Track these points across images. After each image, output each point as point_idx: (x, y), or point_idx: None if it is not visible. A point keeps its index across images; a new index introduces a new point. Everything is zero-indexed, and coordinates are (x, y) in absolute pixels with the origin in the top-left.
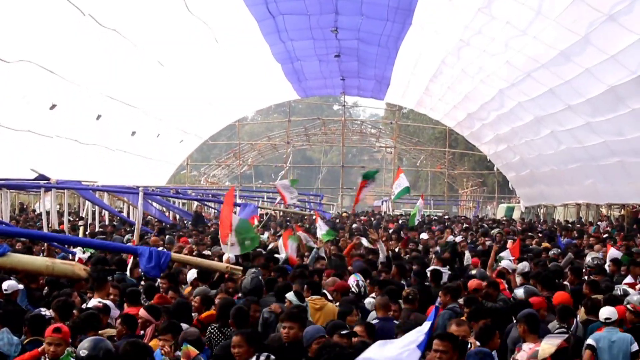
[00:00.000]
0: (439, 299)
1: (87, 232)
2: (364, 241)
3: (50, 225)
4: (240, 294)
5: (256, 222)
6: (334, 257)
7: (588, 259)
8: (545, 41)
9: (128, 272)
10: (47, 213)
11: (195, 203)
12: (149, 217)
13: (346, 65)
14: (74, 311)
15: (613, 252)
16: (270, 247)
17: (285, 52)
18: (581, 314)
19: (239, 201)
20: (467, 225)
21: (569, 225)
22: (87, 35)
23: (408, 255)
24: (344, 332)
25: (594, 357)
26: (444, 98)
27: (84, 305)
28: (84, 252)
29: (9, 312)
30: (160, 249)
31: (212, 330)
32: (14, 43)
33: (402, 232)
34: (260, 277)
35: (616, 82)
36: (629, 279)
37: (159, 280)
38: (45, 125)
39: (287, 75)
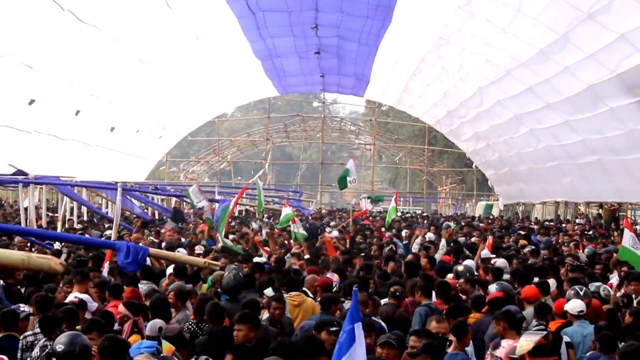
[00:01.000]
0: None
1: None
2: None
3: (28, 221)
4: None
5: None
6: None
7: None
8: (525, 39)
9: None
10: (26, 209)
11: (174, 199)
12: (128, 213)
13: (326, 62)
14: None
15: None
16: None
17: (265, 49)
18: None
19: (217, 197)
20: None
21: (546, 223)
22: (67, 31)
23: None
24: (333, 328)
25: (573, 352)
26: (423, 95)
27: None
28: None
29: None
30: (141, 244)
31: (189, 326)
32: None
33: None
34: (241, 274)
35: (595, 80)
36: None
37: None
38: (23, 121)
39: (267, 72)
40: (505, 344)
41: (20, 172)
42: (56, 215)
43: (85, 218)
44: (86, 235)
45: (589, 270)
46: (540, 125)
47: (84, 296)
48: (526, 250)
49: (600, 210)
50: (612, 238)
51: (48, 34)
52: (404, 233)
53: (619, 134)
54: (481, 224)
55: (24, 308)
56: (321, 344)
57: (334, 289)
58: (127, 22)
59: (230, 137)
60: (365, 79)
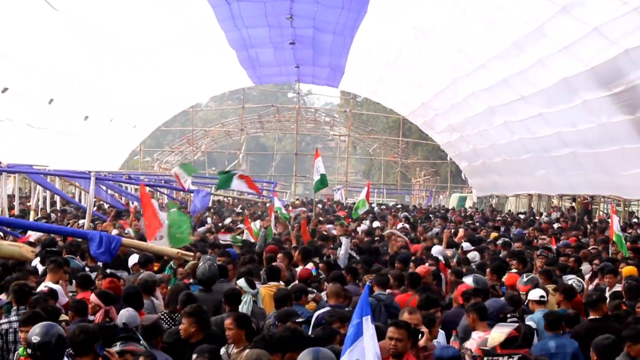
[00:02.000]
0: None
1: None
2: None
3: (0, 210)
4: (191, 280)
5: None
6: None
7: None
8: (500, 31)
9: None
10: None
11: (147, 189)
12: (101, 202)
13: (301, 53)
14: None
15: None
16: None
17: (240, 39)
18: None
19: (192, 188)
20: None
21: (519, 215)
22: (40, 18)
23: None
24: (299, 319)
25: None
26: (398, 87)
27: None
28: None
29: None
30: (116, 233)
31: (162, 317)
32: None
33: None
34: (215, 264)
35: (569, 73)
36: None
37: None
38: None
39: (242, 62)
40: (476, 335)
41: None
42: (29, 204)
43: (58, 207)
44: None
45: (562, 263)
46: (515, 117)
47: (56, 287)
48: (498, 242)
49: (574, 203)
50: (585, 231)
51: (21, 22)
52: (375, 224)
53: (593, 127)
54: (457, 217)
55: (1, 297)
56: (302, 337)
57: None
58: (101, 11)
59: (205, 127)
60: (340, 70)
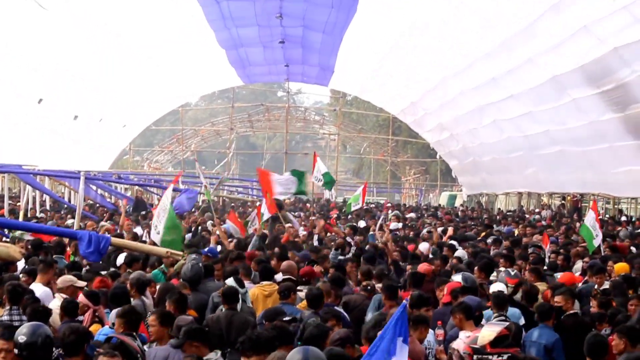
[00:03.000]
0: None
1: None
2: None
3: None
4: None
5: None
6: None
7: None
8: (490, 30)
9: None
10: None
11: (136, 188)
12: (91, 202)
13: (291, 52)
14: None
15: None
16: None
17: (229, 38)
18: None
19: (181, 187)
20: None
21: (508, 213)
22: (29, 17)
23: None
24: (286, 318)
25: None
26: (388, 85)
27: None
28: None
29: None
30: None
31: None
32: None
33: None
34: (200, 264)
35: (558, 72)
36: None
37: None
38: None
39: (232, 62)
40: (463, 335)
41: None
42: (18, 204)
43: (47, 207)
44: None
45: (552, 261)
46: (504, 116)
47: (45, 289)
48: (489, 240)
49: (564, 201)
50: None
51: (9, 19)
52: (362, 223)
53: (582, 125)
54: (446, 215)
55: None
56: (289, 334)
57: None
58: (91, 10)
59: (194, 127)
60: (329, 69)
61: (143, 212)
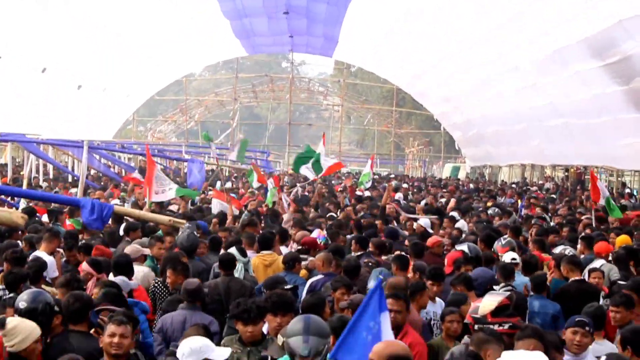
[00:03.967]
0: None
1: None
2: None
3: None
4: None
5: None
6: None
7: (533, 220)
8: (496, 3)
9: None
10: None
11: (140, 158)
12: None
13: (295, 23)
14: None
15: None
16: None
17: (234, 9)
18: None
19: (186, 157)
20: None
21: (512, 185)
22: None
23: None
24: (287, 287)
25: None
26: (392, 57)
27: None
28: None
29: None
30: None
31: (157, 285)
32: None
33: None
34: (195, 232)
35: (563, 44)
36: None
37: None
38: None
39: (236, 32)
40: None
41: None
42: (22, 172)
43: (50, 176)
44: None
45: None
46: (508, 88)
47: (49, 259)
48: (490, 211)
49: (567, 173)
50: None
51: None
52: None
53: (586, 98)
54: (450, 186)
55: None
56: (289, 300)
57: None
58: None
59: (198, 97)
60: (334, 40)
61: None
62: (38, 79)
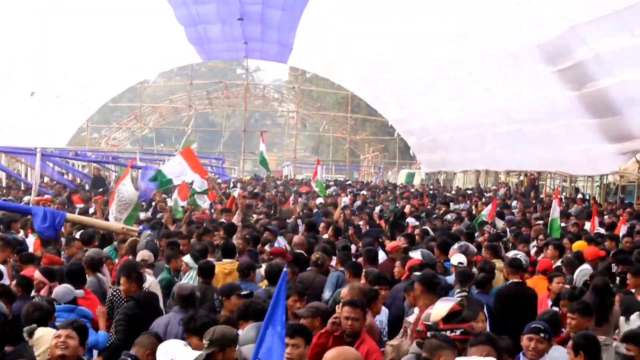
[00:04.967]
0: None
1: None
2: None
3: None
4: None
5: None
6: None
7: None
8: (450, 8)
9: None
10: None
11: (94, 165)
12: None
13: (250, 29)
14: None
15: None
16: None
17: (188, 15)
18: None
19: (140, 164)
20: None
21: (468, 191)
22: None
23: None
24: (243, 292)
25: None
26: (346, 63)
27: None
28: None
29: None
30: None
31: (115, 293)
32: None
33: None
34: (155, 241)
35: (517, 50)
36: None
37: None
38: None
39: (190, 38)
40: (417, 310)
41: None
42: None
43: (3, 184)
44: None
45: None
46: (462, 93)
47: (1, 267)
48: (448, 217)
49: (522, 178)
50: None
51: None
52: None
53: (539, 104)
54: (406, 192)
55: None
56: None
57: None
58: None
59: (153, 104)
60: (288, 46)
61: (101, 190)
62: None
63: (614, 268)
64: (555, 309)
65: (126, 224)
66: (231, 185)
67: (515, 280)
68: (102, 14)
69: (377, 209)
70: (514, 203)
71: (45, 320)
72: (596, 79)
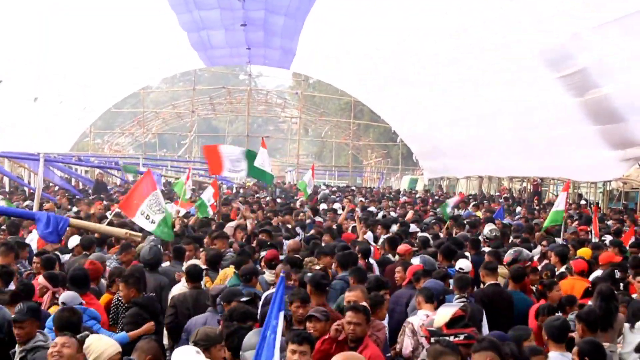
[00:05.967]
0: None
1: None
2: None
3: None
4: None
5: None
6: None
7: (486, 230)
8: (451, 15)
9: None
10: None
11: (97, 170)
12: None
13: (253, 35)
14: None
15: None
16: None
17: (191, 21)
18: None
19: (142, 169)
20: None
21: (469, 197)
22: None
23: None
24: (243, 299)
25: None
26: (350, 69)
27: None
28: None
29: None
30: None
31: (120, 298)
32: None
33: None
34: (159, 246)
35: (519, 56)
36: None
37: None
38: None
39: (193, 44)
40: (422, 313)
41: None
42: None
43: (7, 189)
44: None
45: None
46: (465, 99)
47: None
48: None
49: (525, 184)
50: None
51: None
52: (322, 206)
53: (542, 109)
54: (406, 198)
55: None
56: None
57: None
58: None
59: (156, 109)
60: (291, 52)
61: (103, 195)
62: None
63: (617, 274)
64: (559, 315)
65: (164, 236)
66: (234, 190)
67: (492, 282)
68: (105, 20)
69: (380, 215)
70: (518, 209)
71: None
72: (599, 86)
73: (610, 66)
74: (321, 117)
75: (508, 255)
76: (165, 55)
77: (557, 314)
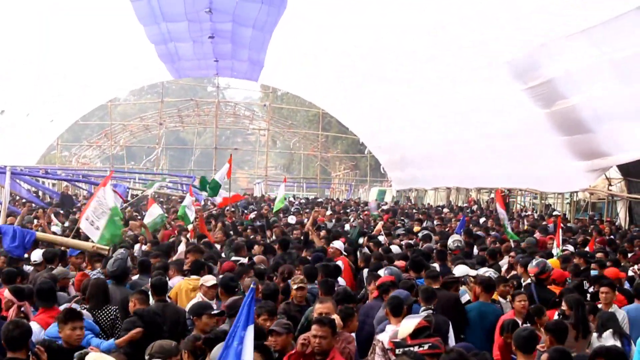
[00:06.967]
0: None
1: None
2: None
3: None
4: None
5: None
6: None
7: (450, 242)
8: (418, 24)
9: None
10: None
11: (64, 183)
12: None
13: (220, 47)
14: None
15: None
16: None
17: (159, 33)
18: None
19: (111, 182)
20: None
21: (439, 208)
22: None
23: None
24: (213, 312)
25: None
26: (317, 80)
27: None
28: None
29: None
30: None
31: (117, 311)
32: None
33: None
34: (126, 259)
35: (487, 66)
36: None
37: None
38: None
39: (161, 56)
40: (390, 328)
41: None
42: None
43: None
44: None
45: (480, 256)
46: (433, 110)
47: None
48: (420, 235)
49: (492, 195)
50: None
51: None
52: (291, 219)
53: (509, 120)
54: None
55: None
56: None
57: None
58: (21, 2)
59: (123, 122)
60: (259, 64)
61: (69, 209)
62: None
63: (586, 285)
64: (527, 325)
65: (112, 241)
66: (202, 203)
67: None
68: (72, 33)
69: (347, 226)
70: (482, 220)
71: (25, 339)
72: (566, 97)
73: (576, 77)
74: (289, 129)
75: (534, 267)
76: (133, 68)
77: (524, 325)
